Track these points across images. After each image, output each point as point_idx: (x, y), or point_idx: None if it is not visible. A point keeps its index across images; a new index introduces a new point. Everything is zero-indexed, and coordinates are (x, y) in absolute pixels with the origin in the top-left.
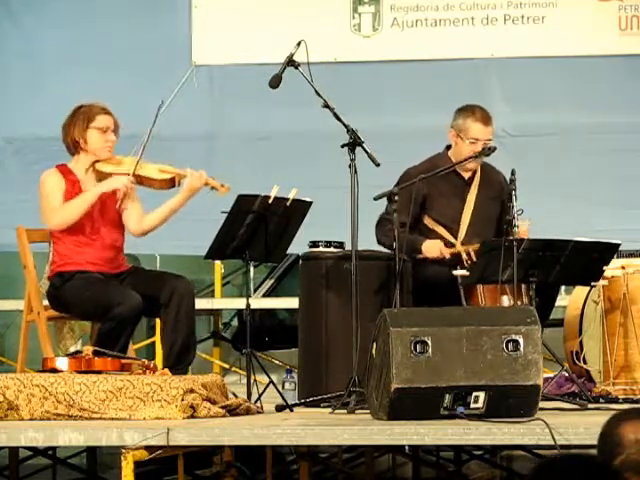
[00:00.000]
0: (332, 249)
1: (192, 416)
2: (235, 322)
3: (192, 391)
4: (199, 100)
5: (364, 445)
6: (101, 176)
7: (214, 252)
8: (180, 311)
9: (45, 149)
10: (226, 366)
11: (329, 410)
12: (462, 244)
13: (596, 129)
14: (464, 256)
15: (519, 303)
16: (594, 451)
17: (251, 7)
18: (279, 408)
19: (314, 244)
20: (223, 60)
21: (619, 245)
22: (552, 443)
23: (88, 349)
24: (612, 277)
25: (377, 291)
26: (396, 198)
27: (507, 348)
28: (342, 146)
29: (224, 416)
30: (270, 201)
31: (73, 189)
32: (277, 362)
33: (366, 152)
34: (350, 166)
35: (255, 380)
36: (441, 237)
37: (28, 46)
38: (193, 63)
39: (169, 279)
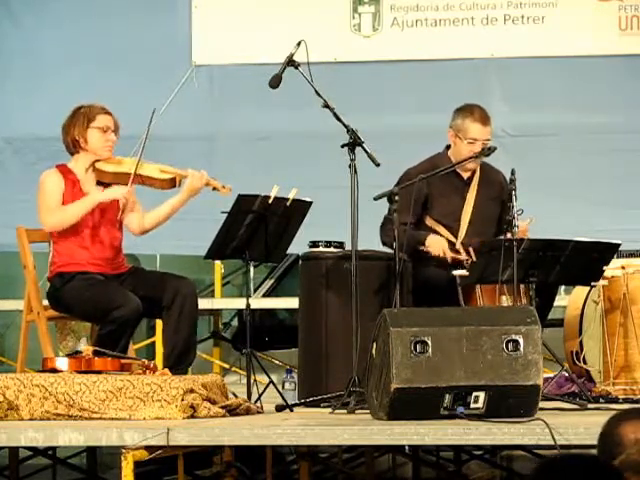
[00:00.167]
0: (332, 249)
1: (192, 416)
2: (235, 322)
3: (192, 391)
4: (199, 100)
5: (364, 445)
6: (101, 176)
7: (214, 252)
8: (183, 312)
9: (45, 149)
10: (226, 366)
11: (329, 410)
12: (462, 243)
13: (596, 129)
14: (464, 257)
15: (518, 303)
16: (594, 451)
17: (251, 7)
18: (279, 408)
19: (314, 244)
20: (223, 60)
21: (619, 245)
22: (552, 443)
23: (88, 349)
24: (612, 277)
25: (377, 291)
26: (396, 198)
27: (507, 348)
28: (342, 146)
29: (224, 416)
30: (270, 201)
31: (73, 189)
32: (277, 362)
33: (366, 152)
34: (350, 166)
35: (255, 380)
36: (442, 237)
37: (28, 46)
38: (193, 63)
39: (172, 280)
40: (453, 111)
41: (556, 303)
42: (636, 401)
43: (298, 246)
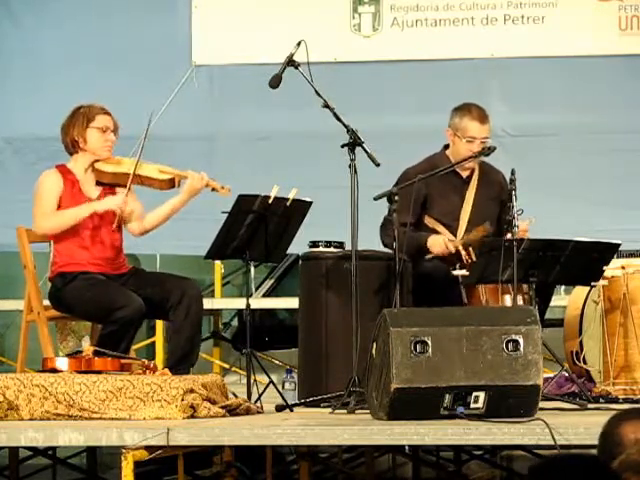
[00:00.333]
0: (332, 249)
1: (192, 416)
2: (235, 322)
3: (192, 391)
4: (199, 100)
5: (364, 445)
6: (100, 176)
7: (214, 252)
8: (189, 312)
9: (45, 149)
10: (226, 366)
11: (329, 410)
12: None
13: (596, 129)
14: (463, 254)
15: (520, 302)
16: (594, 451)
17: (251, 7)
18: (279, 408)
19: (314, 244)
20: (223, 60)
21: (619, 245)
22: (552, 443)
23: (88, 349)
24: (612, 277)
25: (377, 291)
26: (396, 198)
27: (507, 348)
28: (342, 146)
29: (224, 416)
30: (270, 201)
31: (72, 189)
32: (277, 362)
33: (366, 152)
34: (350, 166)
35: (255, 380)
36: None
37: (28, 46)
38: (193, 63)
39: (178, 281)
40: (451, 110)
41: (556, 303)
42: (636, 401)
43: (298, 246)
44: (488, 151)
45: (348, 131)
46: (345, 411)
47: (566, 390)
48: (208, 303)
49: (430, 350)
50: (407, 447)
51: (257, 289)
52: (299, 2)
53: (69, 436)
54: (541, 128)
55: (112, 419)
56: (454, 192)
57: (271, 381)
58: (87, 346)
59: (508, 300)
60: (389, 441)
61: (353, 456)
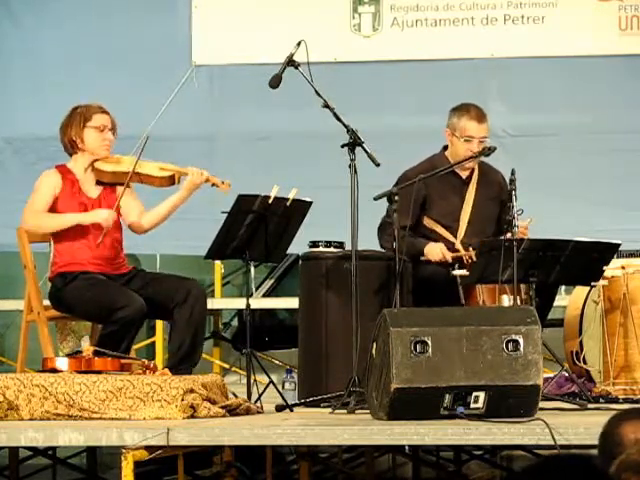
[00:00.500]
0: (332, 249)
1: (192, 416)
2: (235, 322)
3: (192, 391)
4: (199, 100)
5: (364, 445)
6: (100, 175)
7: (214, 252)
8: (194, 312)
9: (45, 149)
10: (226, 366)
11: (329, 410)
12: (461, 242)
13: (596, 129)
14: (464, 254)
15: (519, 303)
16: (594, 451)
17: (251, 7)
18: (279, 408)
19: (314, 244)
20: (223, 60)
21: (619, 245)
22: (552, 443)
23: (88, 349)
24: (612, 277)
25: (377, 291)
26: (396, 198)
27: (507, 348)
28: (342, 146)
29: (224, 416)
30: (270, 201)
31: (72, 189)
32: (277, 362)
33: (366, 152)
34: (350, 166)
35: (255, 380)
36: (441, 237)
37: (28, 46)
38: (193, 63)
39: (183, 281)
40: (449, 110)
41: (556, 303)
42: (636, 401)
43: (298, 246)
44: (488, 151)
45: (348, 131)
46: (345, 411)
47: (566, 390)
48: (208, 303)
49: (430, 350)
50: (407, 447)
51: (257, 289)
52: (299, 2)
53: (69, 436)
54: (541, 128)
55: (112, 419)
56: (454, 193)
57: (271, 381)
58: (87, 346)
59: (505, 300)
60: (389, 441)
61: (353, 456)
